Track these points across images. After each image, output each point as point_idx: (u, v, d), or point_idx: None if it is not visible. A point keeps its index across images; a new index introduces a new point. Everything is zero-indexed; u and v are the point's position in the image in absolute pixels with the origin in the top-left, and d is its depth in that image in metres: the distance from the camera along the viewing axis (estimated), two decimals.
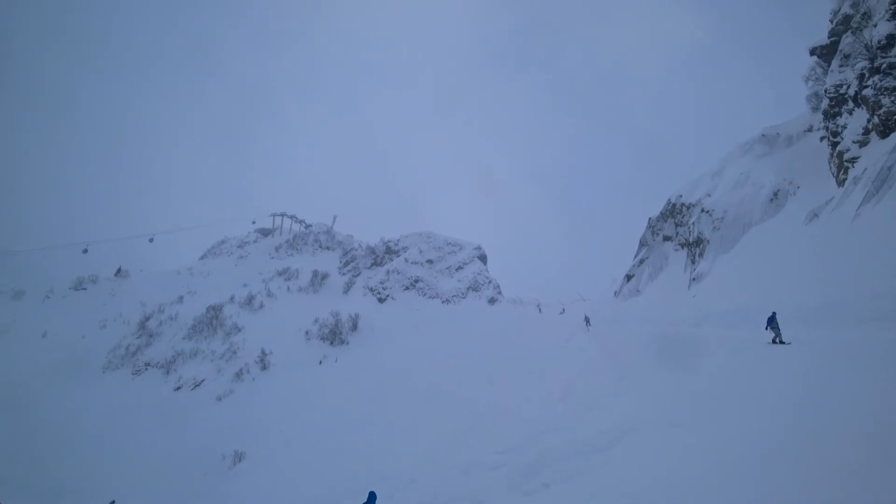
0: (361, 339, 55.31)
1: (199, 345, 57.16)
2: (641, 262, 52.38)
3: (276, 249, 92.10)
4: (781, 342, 16.21)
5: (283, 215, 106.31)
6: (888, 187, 22.80)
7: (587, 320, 37.59)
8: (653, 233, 52.74)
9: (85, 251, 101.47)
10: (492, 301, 66.36)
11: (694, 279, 38.93)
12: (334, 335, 55.93)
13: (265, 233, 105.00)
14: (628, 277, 53.79)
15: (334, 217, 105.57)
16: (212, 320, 61.67)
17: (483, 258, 79.60)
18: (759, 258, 31.86)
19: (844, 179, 28.67)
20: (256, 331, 58.64)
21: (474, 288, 69.75)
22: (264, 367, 50.70)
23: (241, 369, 50.20)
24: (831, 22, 34.27)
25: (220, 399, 45.97)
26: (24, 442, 37.72)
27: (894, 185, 22.46)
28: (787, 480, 6.21)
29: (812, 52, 36.74)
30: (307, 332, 57.68)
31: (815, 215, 29.18)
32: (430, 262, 75.89)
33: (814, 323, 16.03)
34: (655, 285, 46.27)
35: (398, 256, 78.47)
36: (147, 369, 54.20)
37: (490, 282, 72.31)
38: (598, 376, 24.61)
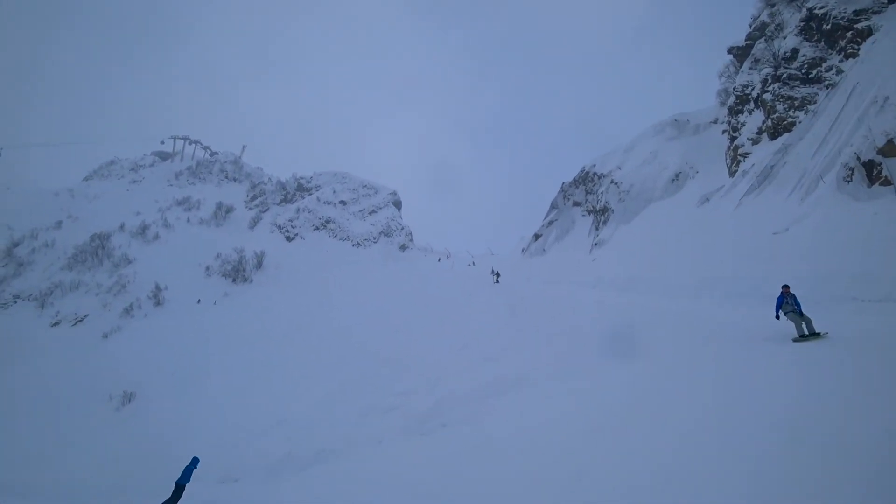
0: (266, 278, 53.77)
1: (82, 276, 52.34)
2: (550, 223, 55.01)
3: (176, 176, 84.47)
4: (814, 334, 9.23)
5: (185, 139, 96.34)
6: (768, 183, 25.49)
7: (496, 275, 39.20)
8: (564, 197, 55.28)
9: None
10: (403, 248, 66.95)
11: (596, 244, 42.13)
12: (237, 272, 53.76)
13: (164, 157, 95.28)
14: (536, 237, 56.45)
15: (243, 147, 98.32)
16: (97, 250, 56.36)
17: (398, 204, 79.20)
18: (655, 232, 34.71)
19: (735, 171, 31.42)
20: (150, 263, 54.60)
21: (386, 233, 69.70)
22: (158, 303, 47.87)
23: (131, 304, 47.01)
24: (750, 26, 36.75)
25: (106, 336, 43.02)
26: None
27: (773, 182, 25.25)
28: (652, 411, 7.27)
29: (729, 51, 39.32)
30: (208, 268, 54.86)
31: (707, 199, 32.11)
32: (343, 203, 74.18)
33: (691, 297, 17.78)
34: (561, 246, 49.07)
35: (310, 195, 75.70)
36: (16, 302, 48.99)
37: (403, 228, 72.54)
38: (499, 329, 26.06)
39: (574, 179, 55.94)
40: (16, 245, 57.74)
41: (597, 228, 45.57)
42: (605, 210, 45.23)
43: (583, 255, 41.11)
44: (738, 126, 33.84)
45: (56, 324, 45.45)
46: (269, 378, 31.24)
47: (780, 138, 28.78)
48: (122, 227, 61.86)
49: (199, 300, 48.30)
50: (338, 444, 17.57)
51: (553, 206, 57.96)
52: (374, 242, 67.37)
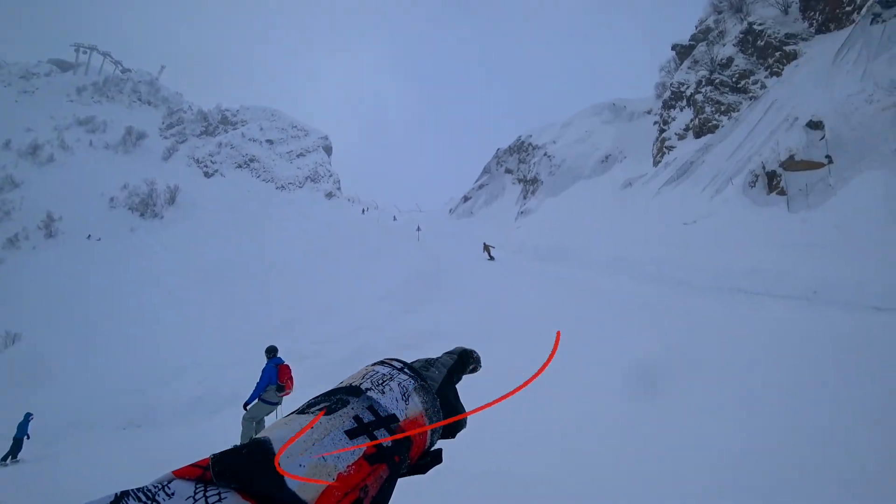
0: (181, 215, 50.10)
1: None
2: (481, 187, 55.21)
3: (79, 92, 74.90)
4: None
5: (92, 49, 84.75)
6: (686, 177, 27.17)
7: (488, 250, 39.75)
8: (497, 163, 55.54)
9: None
10: (329, 195, 64.54)
11: (522, 213, 42.71)
12: (147, 206, 49.61)
13: (63, 67, 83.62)
14: (465, 198, 56.58)
15: (162, 67, 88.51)
16: None
17: (328, 149, 75.77)
18: (579, 207, 36.07)
19: (659, 161, 33.09)
20: (42, 189, 48.94)
21: (314, 179, 66.80)
22: (50, 235, 43.38)
23: (16, 234, 42.25)
24: (696, 28, 38.14)
25: None
26: None
27: (690, 177, 27.03)
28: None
29: (673, 48, 40.53)
30: (112, 199, 50.11)
31: (630, 184, 33.65)
32: (270, 142, 69.81)
33: (605, 273, 18.67)
34: (488, 211, 49.72)
35: (235, 129, 70.48)
36: None
37: (331, 175, 69.78)
38: (419, 283, 26.30)
39: (509, 147, 56.37)
40: None
41: (525, 198, 46.60)
42: (535, 181, 46.28)
43: (508, 222, 42.02)
44: (669, 120, 35.32)
45: None
46: (180, 319, 29.82)
47: (703, 138, 30.32)
48: (7, 143, 54.55)
49: (99, 237, 44.31)
50: (246, 391, 17.33)
51: (485, 171, 58.40)
52: (300, 187, 64.37)
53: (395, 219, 52.17)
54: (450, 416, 0.49)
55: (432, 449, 0.49)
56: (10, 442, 11.43)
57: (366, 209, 58.66)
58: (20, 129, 58.76)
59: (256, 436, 0.40)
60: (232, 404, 14.45)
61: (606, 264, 19.82)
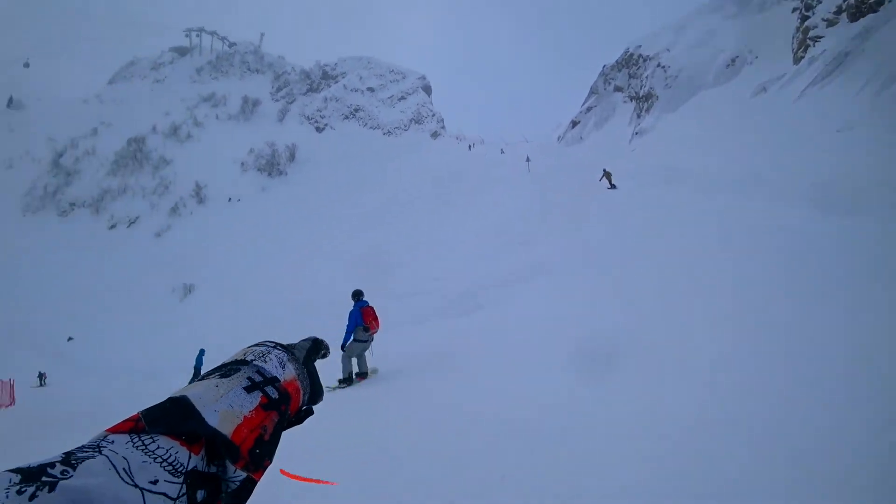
0: (301, 170, 53.50)
1: (127, 180, 53.75)
2: (589, 109, 50.31)
3: (198, 72, 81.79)
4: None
5: (201, 31, 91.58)
6: (839, 73, 21.76)
7: (608, 176, 37.61)
8: (605, 81, 49.82)
9: None
10: (434, 135, 63.91)
11: (636, 133, 38.18)
12: (272, 166, 53.67)
13: (182, 52, 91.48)
14: (573, 124, 52.11)
15: (262, 35, 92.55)
16: (136, 153, 57.12)
17: (427, 89, 74.39)
18: (701, 122, 31.00)
19: (802, 57, 27.81)
20: (187, 163, 55.16)
21: (417, 120, 66.46)
22: (200, 201, 49.08)
23: (176, 204, 48.45)
24: None
25: (158, 235, 45.10)
26: None
27: (845, 72, 21.44)
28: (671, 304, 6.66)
29: None
30: (242, 164, 54.95)
31: (764, 89, 28.56)
32: (371, 90, 70.40)
33: (734, 191, 15.79)
34: (599, 134, 45.04)
35: (336, 83, 72.06)
36: (73, 210, 51.35)
37: (434, 115, 68.79)
38: (530, 217, 25.14)
39: (616, 62, 50.24)
40: (60, 155, 59.24)
41: (638, 116, 41.56)
42: (649, 96, 40.92)
43: (622, 145, 37.78)
44: (813, 3, 28.45)
45: (113, 226, 47.79)
46: (309, 265, 32.26)
47: (862, 20, 24.10)
48: (154, 128, 61.85)
49: (238, 198, 49.06)
50: (392, 318, 18.20)
51: (592, 92, 52.88)
52: (405, 130, 64.66)
53: (502, 152, 50.32)
54: (312, 384, 0.64)
55: (304, 407, 0.63)
56: (192, 372, 14.17)
57: (472, 145, 57.32)
58: (160, 114, 66.15)
59: (174, 393, 0.51)
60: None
61: (737, 184, 16.46)
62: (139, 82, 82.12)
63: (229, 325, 27.41)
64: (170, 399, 0.50)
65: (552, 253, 16.48)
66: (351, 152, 55.60)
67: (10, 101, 75.28)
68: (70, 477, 0.36)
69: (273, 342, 0.64)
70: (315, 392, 0.65)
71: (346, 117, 66.20)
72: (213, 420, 0.48)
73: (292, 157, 54.95)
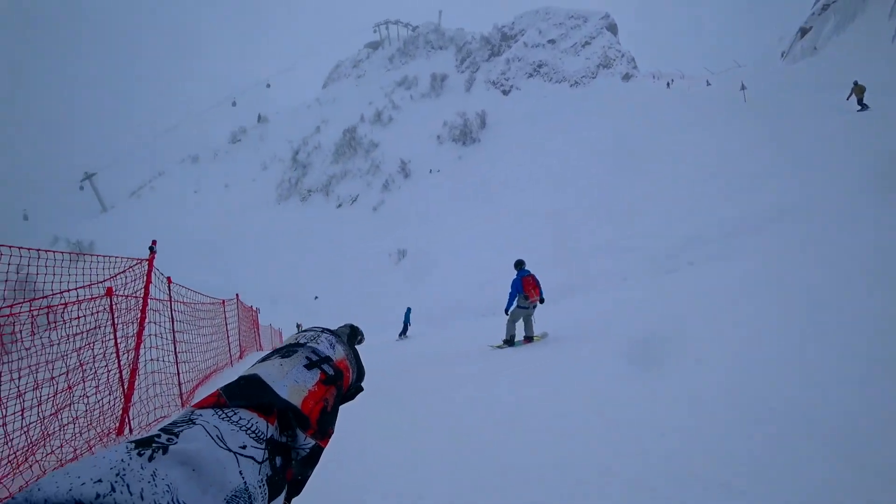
0: (492, 135, 53.68)
1: (346, 166, 61.41)
2: (824, 8, 37.99)
3: (390, 60, 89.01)
4: None
5: (387, 23, 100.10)
6: None
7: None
8: None
9: (234, 104, 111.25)
10: (626, 77, 57.32)
11: None
12: (465, 135, 55.05)
13: (374, 46, 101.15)
14: (802, 32, 40.08)
15: (440, 12, 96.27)
16: (350, 142, 64.81)
17: (613, 28, 67.25)
18: None
19: None
20: (391, 143, 60.44)
21: (605, 64, 60.49)
22: (406, 175, 53.15)
23: (386, 181, 53.42)
24: None
25: (375, 209, 50.39)
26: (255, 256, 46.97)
27: None
28: None
29: None
30: (438, 137, 57.66)
31: None
32: (551, 41, 66.65)
33: None
34: (841, 40, 32.96)
35: (516, 42, 70.18)
36: (310, 195, 60.84)
37: (623, 55, 61.77)
38: (753, 154, 20.19)
39: None
40: (296, 153, 70.73)
41: None
42: None
43: (879, 48, 26.92)
44: None
45: (339, 205, 55.12)
46: (508, 225, 31.95)
47: None
48: (362, 117, 69.21)
49: (438, 169, 51.66)
50: (577, 281, 16.62)
51: None
52: (593, 78, 59.48)
53: (708, 84, 42.51)
54: (357, 365, 0.69)
55: (354, 385, 0.69)
56: (402, 326, 16.40)
57: (670, 81, 49.88)
58: (365, 104, 73.78)
59: (245, 373, 0.57)
60: (568, 295, 13.71)
61: None
62: (345, 81, 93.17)
63: (437, 284, 28.96)
64: (243, 377, 0.55)
65: (794, 193, 12.97)
66: (538, 110, 53.62)
67: (259, 117, 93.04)
68: (175, 443, 0.41)
69: (321, 327, 0.69)
70: (360, 372, 0.70)
71: (530, 75, 64.04)
72: (283, 393, 0.53)
73: (483, 124, 55.49)
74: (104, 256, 4.16)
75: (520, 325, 7.37)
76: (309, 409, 0.55)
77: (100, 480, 0.34)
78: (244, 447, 0.46)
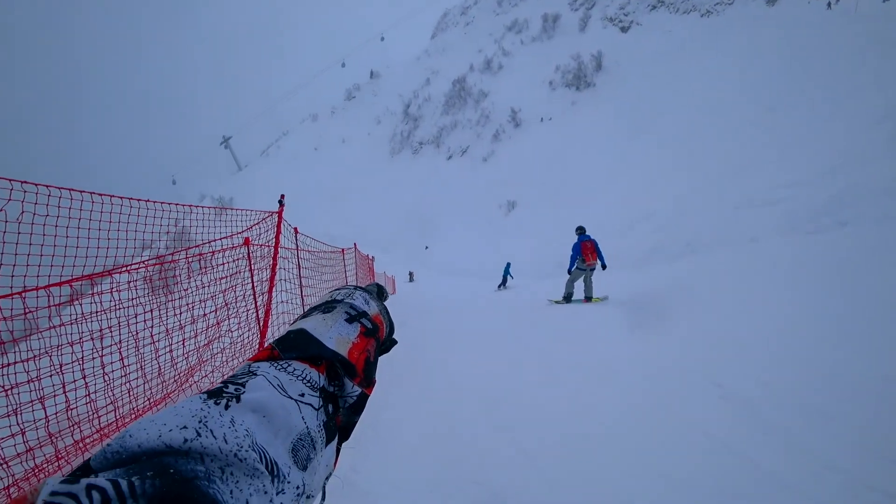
0: (609, 79, 50.23)
1: (456, 117, 61.92)
2: None
3: (499, 3, 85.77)
4: None
5: None
6: None
7: None
8: None
9: (343, 65, 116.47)
10: (771, 2, 49.25)
11: None
12: (579, 80, 52.21)
13: None
14: None
15: None
16: (459, 92, 64.89)
17: None
18: None
19: None
20: (501, 92, 59.46)
21: None
22: (517, 125, 52.34)
23: (496, 131, 53.11)
24: None
25: (485, 160, 50.72)
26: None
27: None
28: None
29: None
30: (550, 83, 55.44)
31: None
32: None
33: None
34: None
35: None
36: (421, 147, 62.73)
37: None
38: None
39: None
40: (407, 106, 72.61)
41: None
42: None
43: None
44: None
45: (450, 157, 56.28)
46: (629, 175, 30.36)
47: None
48: (471, 67, 68.57)
49: (550, 117, 50.08)
50: (705, 238, 15.44)
51: None
52: (730, 4, 52.08)
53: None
54: (390, 320, 0.74)
55: (388, 339, 0.74)
56: (501, 278, 17.50)
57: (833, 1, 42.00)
58: (474, 52, 72.85)
59: (292, 328, 0.62)
60: (688, 254, 12.55)
61: None
62: (453, 30, 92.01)
63: (545, 236, 28.91)
64: (291, 331, 0.60)
65: None
66: (664, 50, 48.69)
67: (371, 73, 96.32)
68: (244, 392, 0.45)
69: (353, 285, 0.74)
70: (391, 326, 0.75)
71: (654, 7, 57.98)
72: (331, 345, 0.58)
73: (599, 67, 52.04)
74: (242, 210, 4.64)
75: (580, 285, 7.97)
76: (354, 359, 0.59)
77: (185, 427, 0.38)
78: (302, 395, 0.50)
